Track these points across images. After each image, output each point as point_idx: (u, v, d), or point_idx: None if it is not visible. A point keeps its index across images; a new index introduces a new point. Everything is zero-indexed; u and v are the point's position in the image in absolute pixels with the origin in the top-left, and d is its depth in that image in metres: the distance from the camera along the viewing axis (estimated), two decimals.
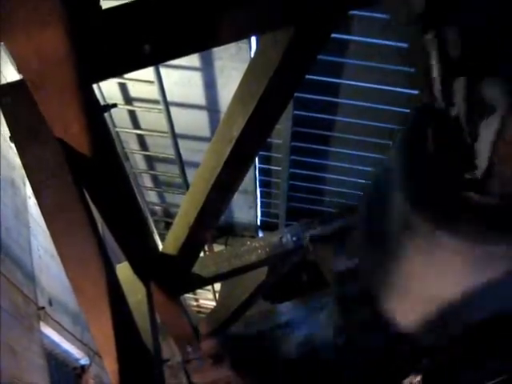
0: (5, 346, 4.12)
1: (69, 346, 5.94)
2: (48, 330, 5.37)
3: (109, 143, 2.13)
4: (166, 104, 5.58)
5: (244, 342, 1.44)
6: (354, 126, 5.67)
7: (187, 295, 9.48)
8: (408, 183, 1.13)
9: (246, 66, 2.20)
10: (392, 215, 1.27)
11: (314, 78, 5.09)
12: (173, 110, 5.73)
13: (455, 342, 1.28)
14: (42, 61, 1.62)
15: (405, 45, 4.42)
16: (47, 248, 5.67)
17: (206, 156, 2.53)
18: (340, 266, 2.45)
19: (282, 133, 5.78)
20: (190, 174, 6.39)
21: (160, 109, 5.66)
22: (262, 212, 7.58)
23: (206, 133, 6.25)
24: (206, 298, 10.25)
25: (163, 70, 5.30)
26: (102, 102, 2.18)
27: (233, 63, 5.24)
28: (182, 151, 6.20)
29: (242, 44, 4.94)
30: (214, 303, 9.32)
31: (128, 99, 6.07)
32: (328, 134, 5.93)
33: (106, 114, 2.14)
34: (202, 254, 3.22)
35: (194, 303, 10.73)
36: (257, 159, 6.37)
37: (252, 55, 4.91)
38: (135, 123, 6.39)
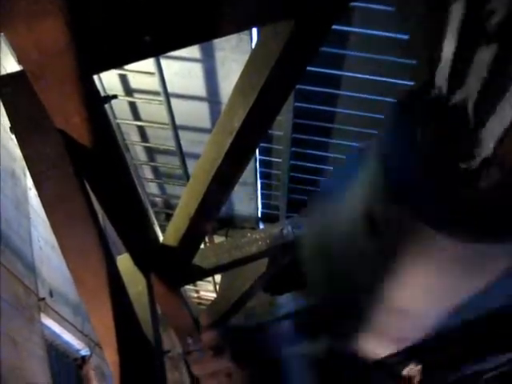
0: (5, 337, 4.13)
1: (69, 337, 5.95)
2: (48, 321, 5.38)
3: (109, 134, 2.13)
4: (167, 95, 5.57)
5: (244, 333, 1.44)
6: (355, 118, 5.66)
7: (188, 287, 9.48)
8: (397, 182, 1.01)
9: (246, 57, 2.19)
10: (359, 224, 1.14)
11: (316, 69, 5.08)
12: (173, 101, 5.72)
13: (454, 341, 1.26)
14: (42, 52, 1.62)
15: (406, 36, 4.40)
16: (48, 239, 5.67)
17: (207, 147, 2.52)
18: None
19: (282, 124, 5.77)
20: (191, 165, 6.38)
21: (161, 100, 5.65)
22: (262, 204, 7.58)
23: (207, 124, 6.24)
24: (207, 290, 10.26)
25: (164, 62, 5.28)
26: (102, 94, 2.18)
27: (234, 54, 5.23)
28: (182, 143, 6.19)
29: (243, 35, 4.93)
30: (214, 295, 9.33)
31: (128, 90, 6.06)
32: (329, 125, 5.92)
33: (106, 106, 2.14)
34: (202, 246, 3.22)
35: (195, 295, 10.75)
36: (257, 151, 6.36)
37: (253, 46, 4.90)
38: (136, 114, 6.38)
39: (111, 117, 5.90)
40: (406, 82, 4.93)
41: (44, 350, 5.08)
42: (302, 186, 6.89)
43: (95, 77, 1.95)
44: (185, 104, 6.00)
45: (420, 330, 1.27)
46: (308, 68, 2.18)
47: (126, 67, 5.49)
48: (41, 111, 1.80)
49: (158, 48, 1.92)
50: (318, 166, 6.52)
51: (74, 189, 1.89)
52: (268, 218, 7.64)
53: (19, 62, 1.74)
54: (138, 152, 7.04)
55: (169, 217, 7.47)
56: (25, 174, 5.36)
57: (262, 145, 6.19)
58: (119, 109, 6.10)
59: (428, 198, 0.98)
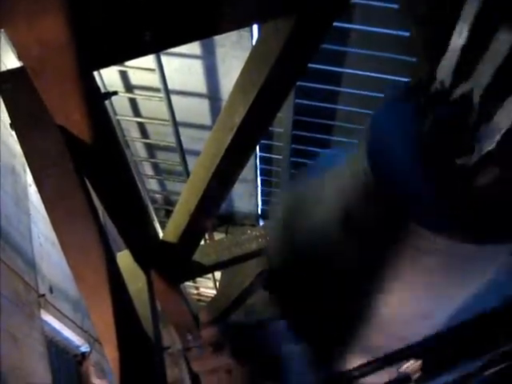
0: (5, 333, 4.14)
1: (69, 333, 5.96)
2: (48, 317, 5.38)
3: (109, 131, 2.13)
4: (167, 92, 5.57)
5: (244, 330, 1.43)
6: (355, 115, 5.65)
7: (187, 283, 9.50)
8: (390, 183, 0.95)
9: (247, 54, 2.19)
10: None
11: (316, 66, 5.07)
12: (174, 97, 5.71)
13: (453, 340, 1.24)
14: (42, 48, 1.62)
15: (407, 33, 4.39)
16: (48, 236, 5.68)
17: (207, 144, 2.52)
18: None
19: (283, 121, 5.77)
20: (191, 162, 6.38)
21: (161, 97, 5.64)
22: (262, 201, 7.58)
23: (207, 121, 6.24)
24: (207, 287, 10.27)
25: (164, 58, 5.28)
26: (102, 90, 2.18)
27: (234, 51, 5.23)
28: (182, 139, 6.19)
29: (244, 32, 4.92)
30: (214, 291, 9.33)
31: (129, 87, 6.05)
32: (329, 123, 5.92)
33: (106, 102, 2.14)
34: (202, 243, 3.22)
35: (195, 291, 10.75)
36: (258, 148, 6.36)
37: (254, 43, 4.89)
38: (136, 111, 6.38)
39: (111, 113, 5.90)
40: (407, 79, 4.92)
41: (44, 346, 5.08)
42: None
43: (95, 73, 1.95)
44: (185, 100, 6.00)
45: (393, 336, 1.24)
46: (309, 65, 2.17)
47: (127, 64, 5.48)
48: (41, 107, 1.80)
49: (158, 44, 1.92)
50: None
51: (74, 185, 1.89)
52: (268, 215, 7.64)
53: (19, 58, 1.74)
54: (138, 148, 7.04)
55: (169, 213, 7.47)
56: (25, 171, 5.36)
57: (262, 142, 6.19)
58: (119, 105, 6.10)
59: (424, 195, 0.94)
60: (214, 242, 4.19)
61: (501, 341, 1.20)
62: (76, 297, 5.94)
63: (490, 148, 0.81)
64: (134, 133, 6.74)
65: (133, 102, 6.27)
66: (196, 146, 6.22)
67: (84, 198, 1.90)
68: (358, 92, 5.40)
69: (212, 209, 2.85)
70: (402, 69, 4.84)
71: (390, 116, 1.03)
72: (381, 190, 0.95)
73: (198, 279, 9.92)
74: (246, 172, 6.54)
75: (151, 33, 1.73)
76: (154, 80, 5.52)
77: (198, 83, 5.81)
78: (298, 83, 5.12)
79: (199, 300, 10.55)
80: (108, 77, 5.69)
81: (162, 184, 7.82)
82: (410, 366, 1.25)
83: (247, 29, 4.84)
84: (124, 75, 5.89)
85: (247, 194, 7.33)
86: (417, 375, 1.23)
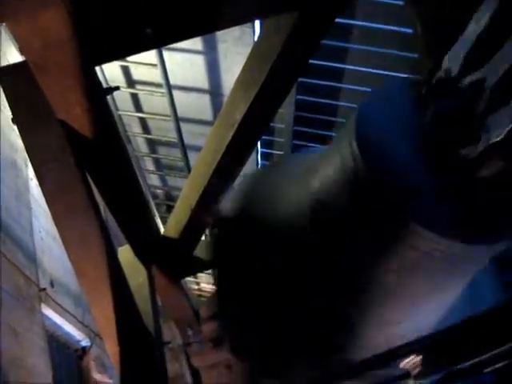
0: (6, 327, 4.14)
1: (70, 328, 5.97)
2: (49, 312, 5.39)
3: (111, 126, 2.13)
4: (169, 87, 5.56)
5: (244, 325, 1.43)
6: None
7: (188, 279, 9.50)
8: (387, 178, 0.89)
9: (249, 49, 2.19)
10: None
11: (318, 62, 5.07)
12: (175, 93, 5.71)
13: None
14: (44, 42, 1.62)
15: (410, 30, 4.38)
16: (49, 230, 5.68)
17: (209, 140, 2.52)
18: None
19: (284, 117, 5.76)
20: (192, 157, 6.37)
21: (163, 92, 5.64)
22: None
23: (209, 116, 6.23)
24: (207, 282, 10.28)
25: (166, 53, 5.27)
26: (104, 85, 2.17)
27: (236, 47, 5.22)
28: (184, 135, 6.19)
29: (246, 28, 4.92)
30: (214, 287, 9.33)
31: (130, 82, 6.05)
32: (331, 119, 5.91)
33: (108, 97, 2.14)
34: (203, 238, 3.22)
35: (195, 287, 10.76)
36: (259, 144, 6.36)
37: (255, 39, 4.89)
38: (138, 106, 6.38)
39: (113, 108, 5.89)
40: (409, 76, 4.91)
41: (45, 340, 5.09)
42: None
43: (97, 68, 1.94)
44: (187, 96, 5.99)
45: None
46: (310, 61, 2.17)
47: (128, 59, 5.48)
48: (42, 102, 1.80)
49: (159, 40, 1.92)
50: None
51: (75, 180, 1.89)
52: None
53: (21, 52, 1.74)
54: (139, 144, 7.04)
55: (170, 209, 7.47)
56: (26, 165, 5.36)
57: (263, 138, 6.19)
58: (121, 100, 6.10)
59: (421, 192, 0.90)
60: None
61: (502, 339, 1.20)
62: (77, 291, 5.95)
63: (498, 138, 0.79)
64: (135, 128, 6.74)
65: (134, 97, 6.26)
66: (197, 141, 6.22)
67: (85, 193, 1.91)
68: (359, 88, 5.39)
69: (213, 204, 2.85)
70: (405, 65, 4.83)
71: (382, 105, 1.00)
72: (374, 180, 0.90)
73: (199, 274, 9.92)
74: (247, 168, 6.52)
75: (153, 28, 1.73)
76: (155, 75, 5.51)
77: (200, 78, 5.81)
78: (300, 79, 5.11)
79: (200, 295, 10.55)
80: (110, 72, 5.68)
81: (163, 179, 7.82)
82: (410, 361, 1.24)
83: (249, 25, 4.84)
84: (126, 70, 5.88)
85: None
86: (416, 370, 1.23)
